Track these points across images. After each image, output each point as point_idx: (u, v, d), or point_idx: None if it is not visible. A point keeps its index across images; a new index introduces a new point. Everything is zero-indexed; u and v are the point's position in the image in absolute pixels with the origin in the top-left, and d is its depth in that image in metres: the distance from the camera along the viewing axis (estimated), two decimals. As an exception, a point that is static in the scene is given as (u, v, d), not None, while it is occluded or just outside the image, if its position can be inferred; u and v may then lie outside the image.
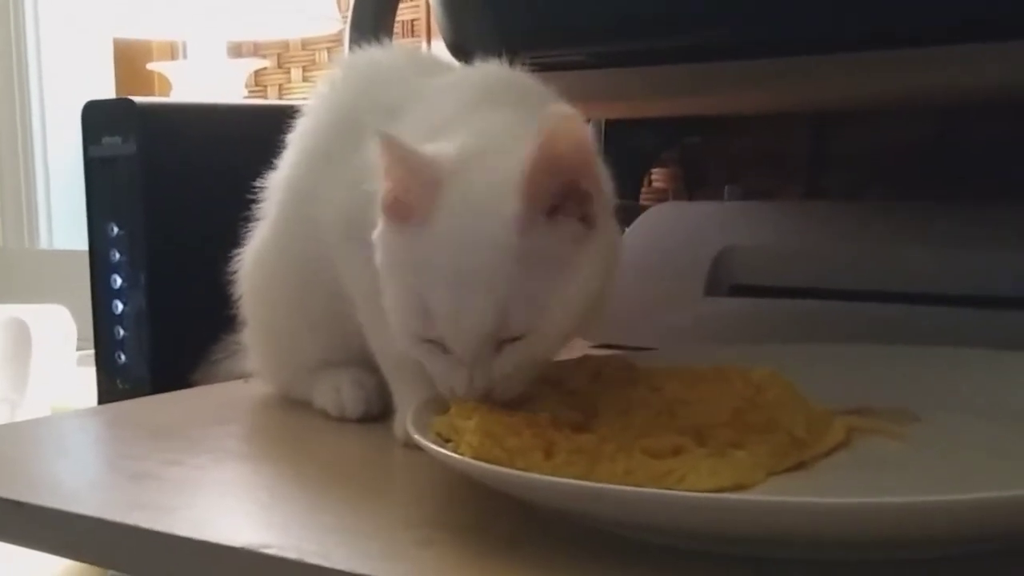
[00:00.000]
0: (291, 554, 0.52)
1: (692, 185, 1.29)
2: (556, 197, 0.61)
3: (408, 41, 1.54)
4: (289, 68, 1.73)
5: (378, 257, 0.64)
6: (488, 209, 0.60)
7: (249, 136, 0.91)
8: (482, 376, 0.61)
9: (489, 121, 0.67)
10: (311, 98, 0.82)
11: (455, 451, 0.57)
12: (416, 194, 0.61)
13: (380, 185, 0.62)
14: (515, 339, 0.61)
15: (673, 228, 1.05)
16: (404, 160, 0.61)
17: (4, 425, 1.06)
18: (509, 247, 0.59)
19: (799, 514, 0.46)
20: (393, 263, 0.63)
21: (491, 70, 0.75)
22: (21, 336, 1.77)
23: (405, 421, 0.63)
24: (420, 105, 0.72)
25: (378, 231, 0.64)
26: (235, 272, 0.84)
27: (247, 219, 0.83)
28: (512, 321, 0.60)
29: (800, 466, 0.59)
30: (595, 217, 0.62)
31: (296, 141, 0.80)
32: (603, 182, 0.64)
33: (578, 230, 0.62)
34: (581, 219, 0.62)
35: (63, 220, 2.31)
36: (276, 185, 0.81)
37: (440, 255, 0.60)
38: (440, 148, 0.63)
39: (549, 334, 0.62)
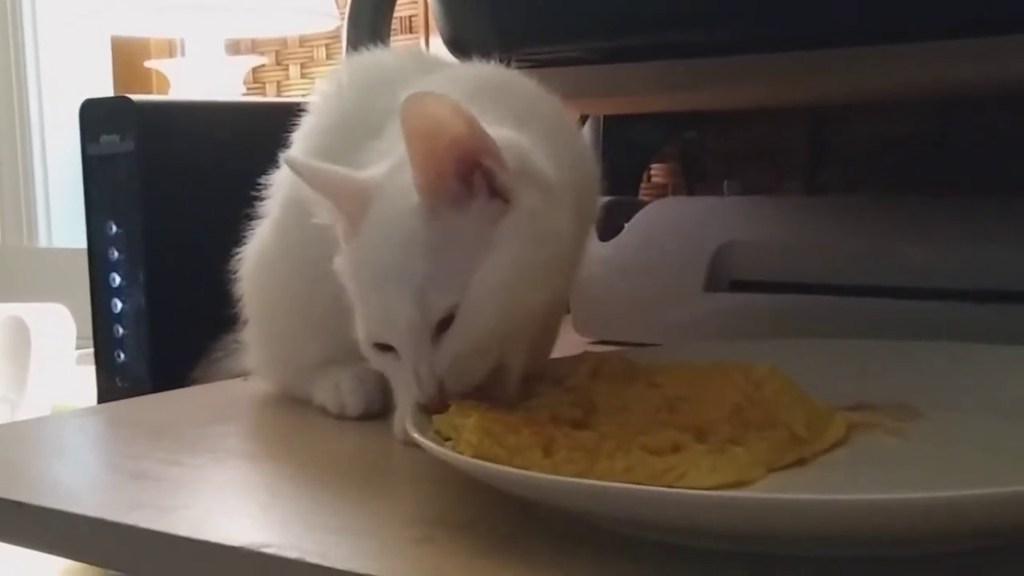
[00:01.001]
0: (291, 553, 0.52)
1: (691, 180, 1.29)
2: (454, 178, 0.61)
3: (406, 37, 1.54)
4: (287, 65, 1.73)
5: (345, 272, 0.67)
6: (400, 208, 0.62)
7: (248, 133, 0.91)
8: (427, 370, 0.61)
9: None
10: (315, 97, 0.82)
11: (454, 449, 0.57)
12: (349, 213, 0.64)
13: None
14: (447, 327, 0.61)
15: (672, 223, 1.05)
16: (332, 183, 0.65)
17: (3, 425, 1.06)
18: (415, 236, 0.61)
19: (799, 511, 0.46)
20: (346, 282, 0.66)
21: (482, 69, 0.75)
22: (20, 335, 1.77)
23: (404, 419, 0.63)
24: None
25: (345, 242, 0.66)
26: (235, 270, 0.84)
27: (246, 217, 0.83)
28: (432, 305, 0.60)
29: (800, 462, 0.59)
30: (508, 191, 0.62)
31: (300, 140, 0.80)
32: (515, 156, 0.63)
33: (492, 207, 0.62)
34: (492, 195, 0.62)
35: (62, 218, 2.31)
36: (279, 183, 0.81)
37: (365, 260, 0.63)
38: (376, 168, 0.66)
39: (480, 313, 0.61)
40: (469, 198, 0.62)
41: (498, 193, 0.62)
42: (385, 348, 0.63)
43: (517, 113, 0.68)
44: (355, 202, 0.64)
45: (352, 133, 0.75)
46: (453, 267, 0.61)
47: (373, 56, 0.84)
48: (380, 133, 0.72)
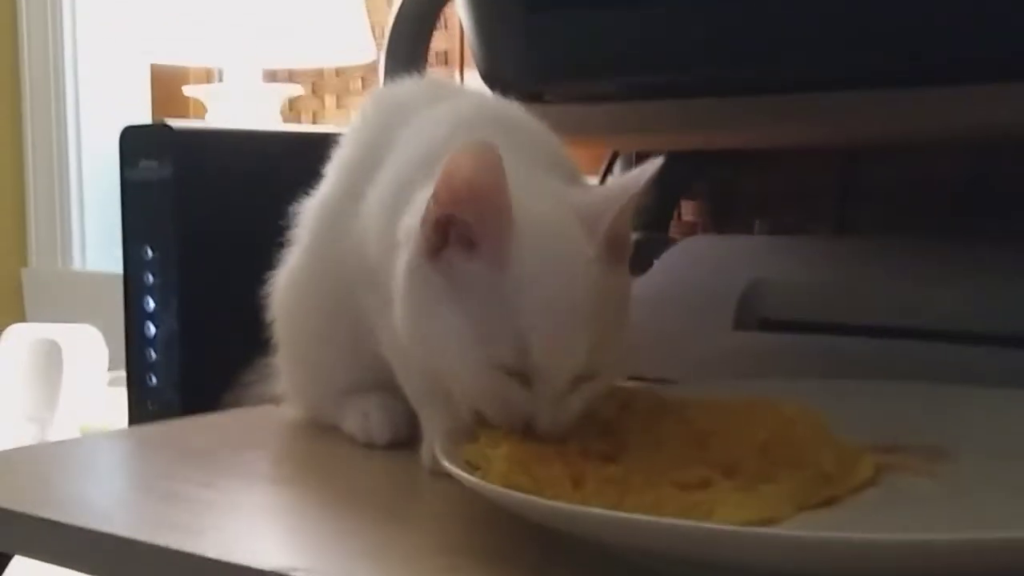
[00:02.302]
0: (319, 578, 0.52)
1: (721, 219, 1.29)
2: (615, 242, 0.63)
3: (442, 71, 1.55)
4: (323, 96, 1.75)
5: (419, 287, 0.64)
6: (571, 248, 0.62)
7: (283, 162, 0.92)
8: (563, 411, 0.62)
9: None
10: (347, 129, 0.83)
11: (484, 479, 0.57)
12: (490, 216, 0.61)
13: (435, 202, 0.62)
14: (591, 377, 0.62)
15: (702, 261, 1.05)
16: (488, 174, 0.60)
17: (37, 445, 1.07)
18: (596, 287, 0.61)
19: (827, 549, 0.46)
20: (455, 293, 0.62)
21: (482, 100, 0.76)
22: (52, 356, 1.78)
23: (433, 448, 0.63)
24: (407, 138, 0.73)
25: (417, 257, 0.63)
26: (267, 296, 0.85)
27: (280, 244, 0.84)
28: (597, 357, 0.61)
29: (829, 502, 0.59)
30: (626, 261, 0.65)
31: (330, 172, 0.82)
32: None
33: (621, 271, 0.64)
34: (620, 261, 0.64)
35: (97, 242, 2.33)
36: (310, 212, 0.82)
37: (539, 289, 0.61)
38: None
39: (615, 371, 0.64)
40: (610, 258, 0.63)
41: (623, 260, 0.65)
42: (513, 373, 0.61)
43: (518, 143, 0.69)
44: (496, 209, 0.61)
45: (369, 166, 0.75)
46: (610, 324, 0.62)
47: (395, 87, 0.85)
48: (384, 165, 0.73)
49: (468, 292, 0.62)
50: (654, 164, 0.62)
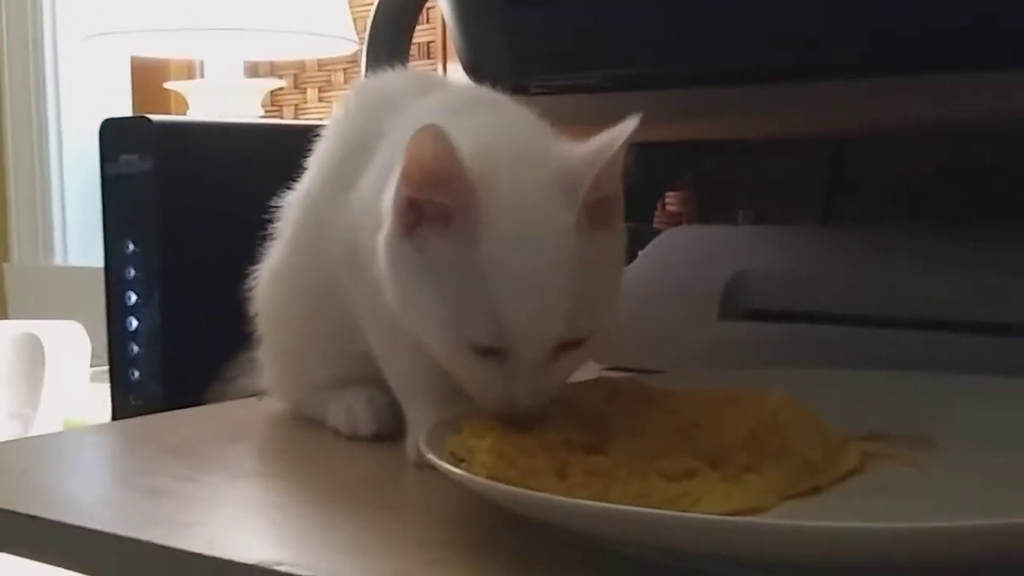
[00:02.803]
0: (303, 572, 0.52)
1: (706, 209, 1.29)
2: (599, 204, 0.62)
3: (424, 63, 1.55)
4: (305, 88, 1.74)
5: (397, 264, 0.64)
6: (545, 215, 0.61)
7: (265, 155, 0.92)
8: (544, 384, 0.62)
9: (476, 125, 0.67)
10: (328, 121, 0.83)
11: (468, 471, 0.57)
12: (456, 197, 0.61)
13: (402, 183, 0.62)
14: (572, 345, 0.62)
15: (687, 252, 1.05)
16: (443, 159, 0.60)
17: (18, 440, 1.07)
18: (572, 253, 0.61)
19: (813, 538, 0.46)
20: (430, 271, 0.62)
21: (472, 88, 0.77)
22: (35, 352, 1.78)
23: (418, 440, 0.63)
24: (397, 129, 0.73)
25: (392, 235, 0.64)
26: (250, 289, 0.84)
27: (262, 237, 0.84)
28: (577, 324, 0.61)
29: (814, 491, 0.59)
30: (617, 220, 0.65)
31: (312, 164, 0.81)
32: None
33: (607, 233, 0.64)
34: (608, 222, 0.64)
35: (78, 236, 2.32)
36: (291, 206, 0.82)
37: (509, 262, 0.60)
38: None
39: (599, 336, 0.63)
40: (594, 220, 0.62)
41: (611, 221, 0.64)
42: (487, 351, 0.61)
43: (513, 119, 0.70)
44: (461, 184, 0.60)
45: (355, 157, 0.75)
46: (592, 288, 0.62)
47: (378, 80, 0.85)
48: (374, 155, 0.73)
49: (441, 270, 0.62)
50: (632, 122, 0.62)
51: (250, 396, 0.90)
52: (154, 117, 1.09)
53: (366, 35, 1.10)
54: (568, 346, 0.62)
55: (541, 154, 0.65)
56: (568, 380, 0.64)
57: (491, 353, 0.61)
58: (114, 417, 1.09)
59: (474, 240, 0.61)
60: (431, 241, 0.62)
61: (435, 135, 0.60)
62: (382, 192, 0.67)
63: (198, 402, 0.93)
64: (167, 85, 1.71)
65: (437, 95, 0.76)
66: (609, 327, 0.65)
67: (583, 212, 0.61)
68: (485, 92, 0.77)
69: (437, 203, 0.61)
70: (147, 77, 1.89)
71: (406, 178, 0.62)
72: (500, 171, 0.62)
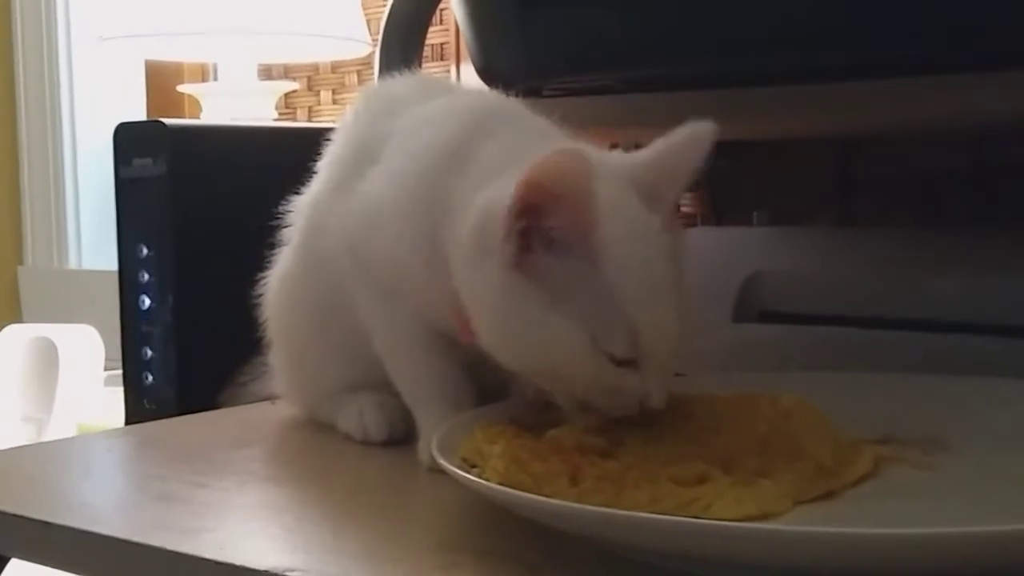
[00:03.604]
0: (315, 578, 0.52)
1: (720, 210, 1.29)
2: (671, 213, 0.65)
3: (437, 65, 1.54)
4: (319, 91, 1.74)
5: (509, 298, 0.62)
6: (647, 223, 0.63)
7: (278, 158, 0.92)
8: (667, 382, 0.63)
9: (504, 147, 0.68)
10: (337, 127, 0.83)
11: (480, 476, 0.57)
12: (578, 219, 0.60)
13: (511, 214, 0.61)
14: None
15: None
16: (583, 181, 0.60)
17: (31, 445, 1.07)
18: (675, 258, 0.63)
19: (826, 544, 0.45)
20: (551, 296, 0.61)
21: (480, 96, 0.77)
22: (49, 355, 1.78)
23: (430, 445, 0.63)
24: (407, 133, 0.73)
25: (501, 271, 0.62)
26: (262, 295, 0.84)
27: (275, 242, 0.84)
28: (687, 320, 0.63)
29: (827, 495, 0.59)
30: (678, 223, 0.67)
31: (321, 169, 0.81)
32: None
33: (677, 235, 0.65)
34: (674, 225, 0.65)
35: (92, 240, 2.32)
36: (299, 211, 0.82)
37: (633, 276, 0.61)
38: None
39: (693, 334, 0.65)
40: (674, 225, 0.65)
41: (675, 222, 0.66)
42: (622, 363, 0.61)
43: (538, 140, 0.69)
44: (583, 211, 0.60)
45: (360, 162, 0.75)
46: (686, 291, 0.64)
47: (388, 84, 0.85)
48: (379, 158, 0.73)
49: (565, 293, 0.61)
50: (706, 132, 0.63)
51: (263, 401, 0.90)
52: (168, 121, 1.09)
53: (379, 37, 1.10)
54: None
55: (610, 165, 0.65)
56: None
57: (626, 363, 0.62)
58: (127, 421, 1.09)
59: (598, 259, 0.61)
60: (547, 266, 0.61)
61: (575, 158, 0.59)
62: (423, 201, 0.67)
63: (211, 406, 0.93)
64: (181, 88, 1.71)
65: (455, 99, 0.76)
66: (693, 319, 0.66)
67: (665, 219, 0.63)
68: (500, 100, 0.76)
69: (555, 228, 0.61)
70: (161, 80, 1.89)
71: (526, 207, 0.60)
72: (597, 187, 0.61)
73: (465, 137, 0.69)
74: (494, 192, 0.63)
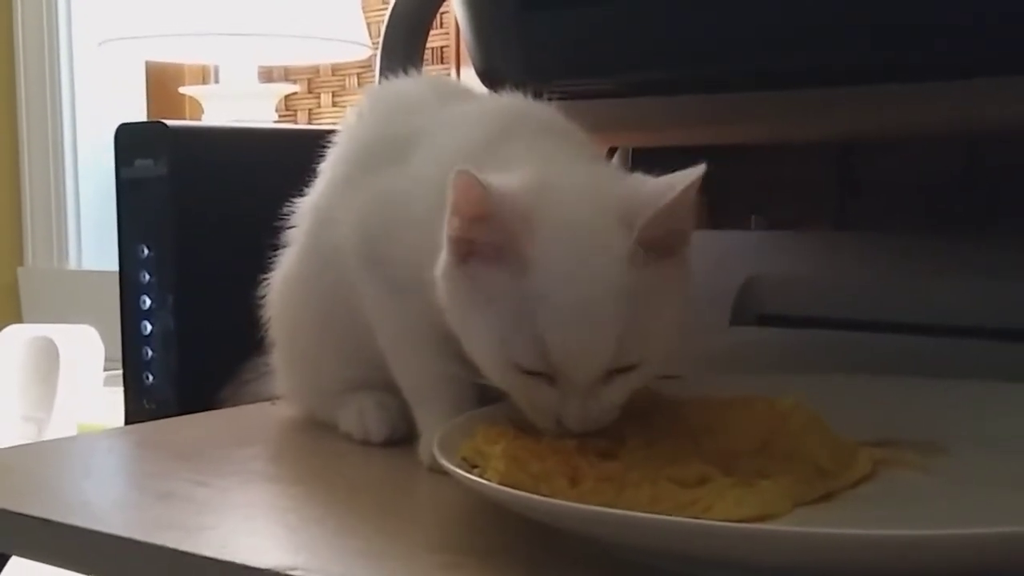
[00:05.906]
0: (316, 576, 0.52)
1: (718, 214, 1.29)
2: (661, 238, 0.63)
3: (437, 68, 1.55)
4: (319, 93, 1.75)
5: (453, 292, 0.64)
6: (597, 246, 0.62)
7: (279, 160, 0.92)
8: (595, 406, 0.62)
9: (532, 152, 0.68)
10: (340, 127, 0.83)
11: (481, 476, 0.57)
12: (507, 231, 0.61)
13: (450, 222, 0.63)
14: (625, 369, 0.62)
15: (699, 257, 1.04)
16: (480, 204, 0.61)
17: (32, 444, 1.07)
18: (624, 284, 0.61)
19: (824, 545, 0.46)
20: (482, 298, 0.63)
21: (514, 100, 0.76)
22: (49, 355, 1.78)
23: (431, 445, 0.63)
24: (439, 133, 0.73)
25: (448, 266, 0.64)
26: (264, 296, 0.85)
27: (276, 243, 0.84)
28: (627, 352, 0.61)
29: (826, 497, 0.59)
30: (683, 252, 0.65)
31: (324, 170, 0.82)
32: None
33: (670, 263, 0.64)
34: (671, 253, 0.64)
35: (93, 241, 2.32)
36: (303, 212, 0.82)
37: (556, 292, 0.61)
38: (505, 182, 0.63)
39: (655, 362, 0.64)
40: (655, 251, 0.62)
41: (676, 252, 0.64)
42: (534, 373, 0.62)
43: (566, 145, 0.70)
44: (514, 218, 0.61)
45: (371, 160, 0.76)
46: (646, 317, 0.62)
47: (394, 85, 0.86)
48: (402, 159, 0.73)
49: (491, 298, 0.62)
50: (700, 168, 0.63)
51: (263, 400, 0.90)
52: (169, 122, 1.09)
53: (380, 40, 1.10)
54: (620, 370, 0.62)
55: (605, 184, 0.66)
56: (624, 401, 0.64)
57: (540, 375, 0.62)
58: (127, 421, 1.10)
59: (523, 271, 0.61)
60: (481, 272, 0.63)
61: (469, 182, 0.60)
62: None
63: (211, 406, 0.94)
64: (182, 90, 1.72)
65: (487, 102, 0.77)
66: (670, 351, 0.65)
67: (641, 244, 0.62)
68: (530, 104, 0.76)
69: (485, 240, 0.62)
70: (162, 82, 1.89)
71: (452, 219, 0.63)
72: (558, 202, 0.63)
73: (496, 140, 0.70)
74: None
